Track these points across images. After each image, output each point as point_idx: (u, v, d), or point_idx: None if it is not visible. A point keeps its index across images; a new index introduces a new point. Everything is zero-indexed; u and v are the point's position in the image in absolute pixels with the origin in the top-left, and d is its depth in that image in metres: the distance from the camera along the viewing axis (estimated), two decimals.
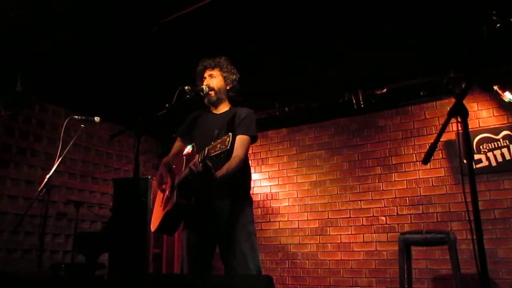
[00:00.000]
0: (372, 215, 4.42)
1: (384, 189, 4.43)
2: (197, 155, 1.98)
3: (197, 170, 1.90)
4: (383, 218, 4.35)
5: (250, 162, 2.37)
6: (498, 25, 2.97)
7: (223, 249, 2.12)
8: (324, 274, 4.52)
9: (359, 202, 4.52)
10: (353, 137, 4.74)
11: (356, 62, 3.87)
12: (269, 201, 5.09)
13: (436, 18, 3.18)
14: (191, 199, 2.12)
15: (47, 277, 3.09)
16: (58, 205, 4.41)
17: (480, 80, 4.01)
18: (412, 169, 4.32)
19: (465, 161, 1.67)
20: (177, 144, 2.44)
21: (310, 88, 4.47)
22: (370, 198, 4.47)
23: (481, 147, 3.99)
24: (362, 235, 4.42)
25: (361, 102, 4.40)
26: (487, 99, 4.09)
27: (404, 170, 4.37)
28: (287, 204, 4.98)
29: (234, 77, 2.35)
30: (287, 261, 4.78)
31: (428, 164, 4.16)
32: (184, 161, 2.20)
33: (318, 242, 4.65)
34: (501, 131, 3.95)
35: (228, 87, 2.34)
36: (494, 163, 3.91)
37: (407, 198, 4.27)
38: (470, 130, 1.50)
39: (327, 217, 4.66)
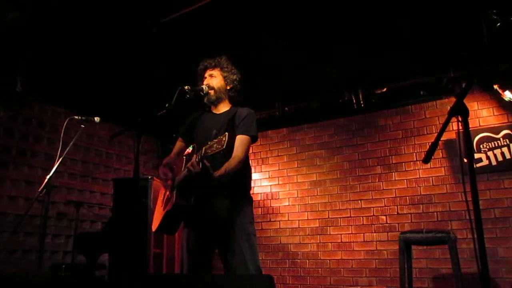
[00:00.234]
0: (372, 214, 4.42)
1: (384, 188, 4.42)
2: (195, 156, 1.98)
3: (195, 170, 1.90)
4: (384, 217, 4.35)
5: (250, 162, 2.37)
6: (498, 24, 2.97)
7: (223, 249, 2.12)
8: (324, 273, 4.52)
9: (359, 201, 4.52)
10: (353, 136, 4.74)
11: (356, 62, 3.87)
12: (269, 200, 5.09)
13: (436, 17, 3.17)
14: (190, 199, 2.12)
15: (48, 278, 3.09)
16: (58, 206, 4.40)
17: (480, 80, 4.01)
18: (412, 169, 4.32)
19: (465, 160, 1.67)
20: (178, 144, 2.44)
21: (310, 88, 4.47)
22: (371, 197, 4.47)
23: (481, 146, 3.99)
24: (362, 234, 4.42)
25: (361, 102, 4.40)
26: (487, 98, 4.09)
27: (404, 169, 4.37)
28: (287, 203, 4.97)
29: (235, 77, 2.35)
30: (287, 260, 4.78)
31: (429, 163, 4.16)
32: (184, 161, 2.20)
33: (318, 241, 4.65)
34: (501, 130, 3.95)
35: (228, 87, 2.34)
36: (494, 162, 3.91)
37: (408, 198, 4.27)
38: (470, 129, 1.50)
39: (327, 217, 4.66)
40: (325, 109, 4.74)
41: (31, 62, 3.72)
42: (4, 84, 3.73)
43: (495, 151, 3.93)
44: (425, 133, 4.34)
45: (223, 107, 2.33)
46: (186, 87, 2.14)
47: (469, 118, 1.50)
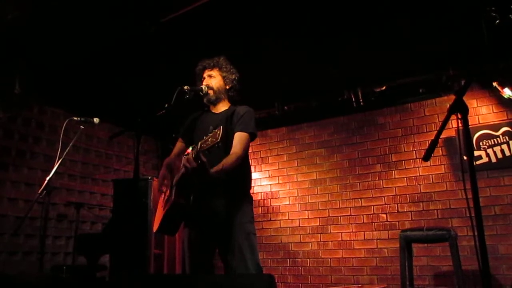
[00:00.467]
0: (372, 212, 4.42)
1: (384, 186, 4.43)
2: (191, 151, 1.98)
3: (191, 166, 1.88)
4: (384, 215, 4.35)
5: (250, 161, 2.36)
6: (497, 21, 2.97)
7: (222, 248, 2.12)
8: (325, 272, 4.52)
9: (359, 200, 4.52)
10: (353, 135, 4.74)
11: (355, 60, 3.87)
12: (269, 200, 5.09)
13: (435, 15, 3.17)
14: (189, 198, 2.11)
15: (49, 279, 3.09)
16: (59, 207, 4.40)
17: (480, 77, 4.01)
18: (412, 166, 4.32)
19: (465, 158, 1.67)
20: (178, 144, 2.44)
21: (310, 87, 4.47)
22: (371, 195, 4.47)
23: (481, 143, 3.99)
24: (363, 232, 4.42)
25: (361, 100, 4.40)
26: (486, 95, 4.09)
27: (404, 167, 4.37)
28: (287, 202, 4.98)
29: (234, 76, 2.35)
30: (288, 259, 4.78)
31: (429, 161, 4.16)
32: (183, 160, 2.20)
33: (319, 240, 4.65)
34: (501, 128, 3.95)
35: (227, 87, 2.34)
36: (494, 160, 3.91)
37: (408, 196, 4.27)
38: (470, 126, 1.50)
39: (327, 215, 4.67)
40: (325, 107, 4.74)
41: (30, 63, 3.71)
42: (3, 85, 3.73)
43: (494, 148, 3.93)
44: (425, 131, 4.34)
45: (223, 107, 2.33)
46: (185, 87, 2.14)
47: (468, 116, 1.50)
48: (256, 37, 3.40)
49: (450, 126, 3.96)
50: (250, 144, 2.24)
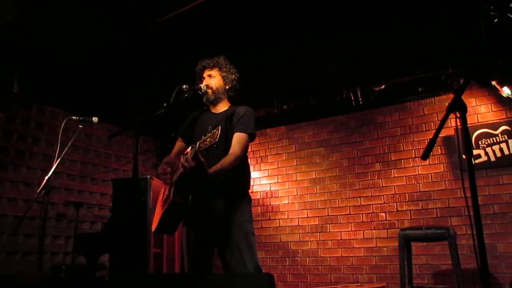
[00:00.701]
0: (372, 211, 4.42)
1: (383, 185, 4.43)
2: (189, 151, 1.98)
3: (189, 165, 1.89)
4: (383, 214, 4.36)
5: (249, 160, 2.36)
6: (496, 20, 2.97)
7: (221, 248, 2.11)
8: (324, 271, 4.53)
9: (358, 198, 4.53)
10: (352, 134, 4.74)
11: (354, 59, 3.87)
12: (268, 199, 5.10)
13: (434, 14, 3.17)
14: (188, 197, 2.11)
15: (48, 279, 3.09)
16: (58, 207, 4.40)
17: (478, 76, 4.02)
18: (411, 165, 4.33)
19: (464, 157, 1.67)
20: (178, 144, 2.43)
21: (308, 86, 4.47)
22: (370, 194, 4.48)
23: (479, 142, 4.00)
24: (362, 231, 4.43)
25: (360, 99, 4.40)
26: (485, 94, 4.09)
27: (403, 166, 4.37)
28: (286, 201, 4.98)
29: (233, 76, 2.34)
30: (287, 258, 4.78)
31: (427, 160, 4.17)
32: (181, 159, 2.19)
33: (318, 239, 4.66)
34: (500, 126, 3.95)
35: (227, 87, 2.33)
36: (493, 158, 3.91)
37: (407, 194, 4.28)
38: (468, 125, 1.50)
39: (327, 214, 4.67)
40: (324, 106, 4.74)
41: (29, 63, 3.71)
42: (1, 84, 3.72)
43: (493, 147, 3.93)
44: (424, 129, 4.34)
45: (222, 107, 2.33)
46: (184, 86, 2.13)
47: (467, 114, 1.50)
48: (255, 35, 3.40)
49: (449, 125, 3.96)
50: (249, 143, 2.24)
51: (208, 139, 1.83)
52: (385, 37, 3.49)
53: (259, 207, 5.05)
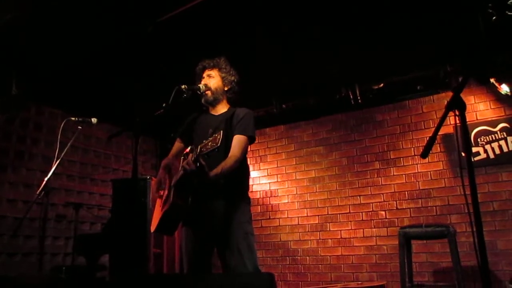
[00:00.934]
0: (371, 210, 4.43)
1: (383, 183, 4.43)
2: (190, 154, 1.99)
3: (190, 168, 1.90)
4: (383, 212, 4.36)
5: (248, 160, 2.37)
6: (494, 17, 2.97)
7: (221, 248, 2.12)
8: (325, 270, 4.53)
9: (358, 197, 4.53)
10: (351, 132, 4.74)
11: (353, 57, 3.87)
12: (268, 198, 5.10)
13: (433, 12, 3.17)
14: (187, 199, 2.12)
15: (49, 280, 3.08)
16: (57, 208, 4.39)
17: (477, 73, 4.02)
18: (410, 163, 4.33)
19: (463, 154, 1.67)
20: (177, 145, 2.44)
21: (307, 85, 4.47)
22: (369, 193, 4.48)
23: (478, 140, 4.00)
24: (362, 230, 4.43)
25: (358, 98, 4.40)
26: (484, 92, 4.09)
27: (402, 164, 4.38)
28: (286, 201, 4.98)
29: (233, 78, 2.34)
30: (287, 257, 4.79)
31: (427, 158, 4.17)
32: (181, 161, 2.20)
33: (318, 238, 4.66)
34: (499, 124, 3.96)
35: (226, 88, 2.33)
36: (492, 156, 3.92)
37: (406, 192, 4.28)
38: (467, 123, 1.50)
39: (326, 213, 4.67)
40: (323, 105, 4.74)
41: (28, 63, 3.70)
42: (0, 86, 3.72)
43: (492, 144, 3.94)
44: (423, 127, 4.35)
45: (221, 108, 2.33)
46: (183, 86, 2.13)
47: (466, 112, 1.50)
48: (253, 35, 3.39)
49: (448, 123, 3.96)
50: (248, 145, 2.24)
51: (209, 143, 1.84)
52: (384, 36, 3.49)
53: (259, 206, 5.06)
